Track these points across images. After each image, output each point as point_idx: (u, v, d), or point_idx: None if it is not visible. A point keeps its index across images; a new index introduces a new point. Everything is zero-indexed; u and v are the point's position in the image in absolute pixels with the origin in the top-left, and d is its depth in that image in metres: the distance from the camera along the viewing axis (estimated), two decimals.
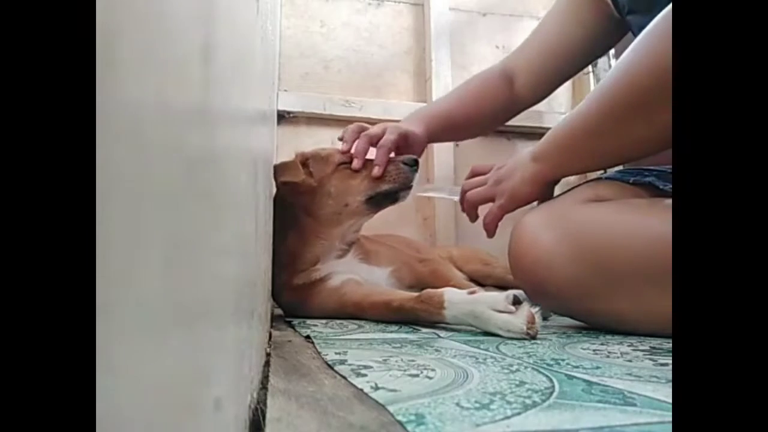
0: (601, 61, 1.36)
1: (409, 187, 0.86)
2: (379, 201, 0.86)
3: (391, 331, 0.64)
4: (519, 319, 0.57)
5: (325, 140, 1.22)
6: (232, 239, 0.23)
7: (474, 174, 0.86)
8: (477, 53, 1.45)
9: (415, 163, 0.86)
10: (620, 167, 0.85)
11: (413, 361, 0.42)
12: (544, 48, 0.98)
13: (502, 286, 0.92)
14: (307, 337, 0.58)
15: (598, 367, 0.40)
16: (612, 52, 1.29)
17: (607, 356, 0.46)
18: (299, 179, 0.82)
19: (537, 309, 0.58)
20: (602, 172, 1.14)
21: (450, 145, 1.36)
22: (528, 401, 0.29)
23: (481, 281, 1.02)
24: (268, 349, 0.49)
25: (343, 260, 0.89)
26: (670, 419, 0.26)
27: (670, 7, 0.59)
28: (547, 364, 0.41)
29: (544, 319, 0.78)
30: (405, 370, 0.38)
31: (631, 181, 0.71)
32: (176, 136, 0.14)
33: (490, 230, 0.81)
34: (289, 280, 0.86)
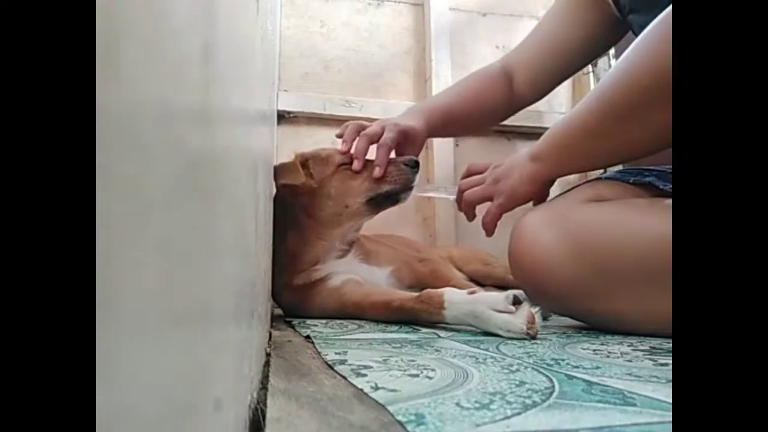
0: (601, 61, 1.36)
1: (410, 188, 0.85)
2: (379, 202, 0.85)
3: (391, 331, 0.64)
4: (519, 319, 0.57)
5: (325, 140, 1.22)
6: (232, 239, 0.23)
7: (470, 173, 0.86)
8: (477, 53, 1.45)
9: (416, 164, 0.86)
10: (620, 167, 0.85)
11: (413, 361, 0.42)
12: (543, 46, 0.98)
13: (502, 286, 0.92)
14: (307, 337, 0.58)
15: (598, 367, 0.40)
16: (612, 51, 1.29)
17: (607, 356, 0.46)
18: (299, 182, 0.82)
19: (537, 309, 0.58)
20: (602, 171, 1.14)
21: (450, 145, 1.36)
22: (528, 401, 0.29)
23: (481, 281, 1.02)
24: (268, 349, 0.49)
25: (343, 260, 0.89)
26: (670, 419, 0.26)
27: (670, 7, 0.59)
28: (547, 364, 0.41)
29: (544, 319, 0.78)
30: (405, 370, 0.38)
31: (631, 181, 0.71)
32: (176, 136, 0.14)
33: (489, 229, 0.81)
34: (289, 281, 0.86)
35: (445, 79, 1.35)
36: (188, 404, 0.15)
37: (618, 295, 0.63)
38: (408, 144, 0.91)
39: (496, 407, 0.28)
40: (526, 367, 0.39)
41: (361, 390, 0.32)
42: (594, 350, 0.49)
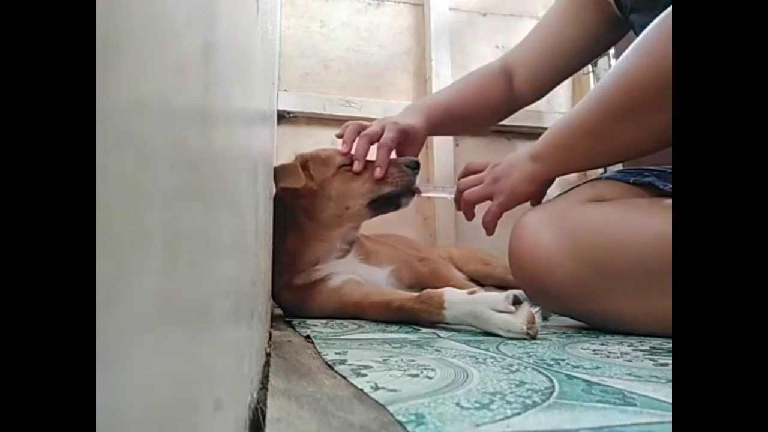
0: (601, 61, 1.36)
1: (412, 192, 0.85)
2: (381, 205, 0.85)
3: (391, 331, 0.64)
4: (519, 319, 0.57)
5: (325, 140, 1.22)
6: (232, 239, 0.23)
7: (468, 172, 0.86)
8: (477, 53, 1.45)
9: (417, 165, 0.85)
10: (620, 167, 0.85)
11: (413, 361, 0.42)
12: (544, 45, 0.98)
13: (502, 286, 0.92)
14: (307, 337, 0.58)
15: (598, 367, 0.40)
16: (612, 51, 1.29)
17: (607, 356, 0.46)
18: (300, 185, 0.81)
19: (537, 309, 0.58)
20: (602, 171, 1.14)
21: (450, 145, 1.36)
22: (528, 401, 0.29)
23: (481, 281, 1.02)
24: (268, 349, 0.49)
25: (343, 260, 0.89)
26: (670, 419, 0.26)
27: (670, 7, 0.59)
28: (547, 364, 0.41)
29: (544, 319, 0.78)
30: (405, 370, 0.38)
31: (631, 181, 0.72)
32: (176, 136, 0.14)
33: (490, 228, 0.81)
34: (289, 281, 0.86)
35: (445, 79, 1.35)
36: (188, 404, 0.15)
37: (618, 295, 0.63)
38: (408, 143, 0.90)
39: (496, 407, 0.28)
40: (526, 367, 0.39)
41: (361, 390, 0.32)
42: (594, 350, 0.49)
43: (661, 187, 0.69)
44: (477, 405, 0.28)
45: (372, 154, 0.85)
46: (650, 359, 0.44)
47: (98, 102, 0.09)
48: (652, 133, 0.63)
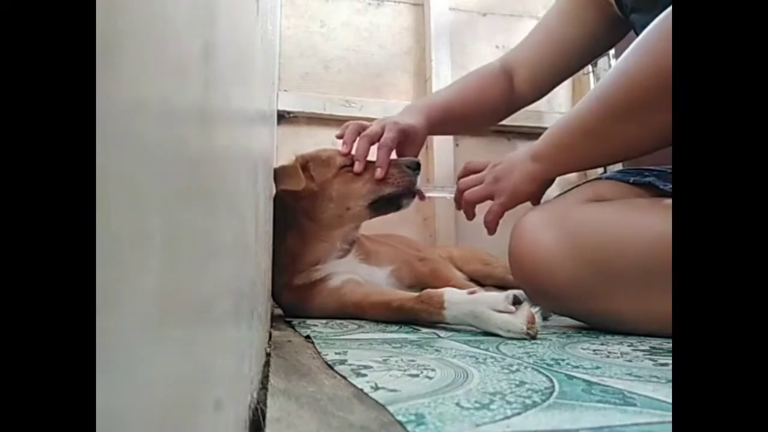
0: (601, 61, 1.36)
1: (413, 193, 0.85)
2: (381, 206, 0.85)
3: (391, 331, 0.64)
4: (519, 319, 0.57)
5: (325, 140, 1.22)
6: (232, 239, 0.23)
7: (468, 171, 0.86)
8: (477, 53, 1.45)
9: (418, 166, 0.85)
10: (620, 167, 0.85)
11: (413, 361, 0.42)
12: (544, 45, 0.98)
13: (502, 286, 0.92)
14: (307, 337, 0.58)
15: (598, 367, 0.40)
16: (612, 52, 1.29)
17: (607, 356, 0.46)
18: (300, 188, 0.81)
19: (537, 309, 0.58)
20: (602, 171, 1.14)
21: (450, 145, 1.36)
22: (528, 401, 0.29)
23: (481, 281, 1.02)
24: (268, 349, 0.49)
25: (343, 260, 0.89)
26: (670, 419, 0.26)
27: (670, 7, 0.59)
28: (547, 364, 0.41)
29: (544, 319, 0.78)
30: (405, 370, 0.38)
31: (631, 181, 0.72)
32: (176, 136, 0.14)
33: (492, 227, 0.81)
34: (289, 281, 0.86)
35: (445, 79, 1.35)
36: (188, 404, 0.15)
37: (618, 294, 0.63)
38: (408, 143, 0.90)
39: (496, 407, 0.28)
40: (526, 367, 0.39)
41: (361, 390, 0.32)
42: (594, 350, 0.49)
43: (661, 187, 0.69)
44: (477, 405, 0.28)
45: (372, 155, 0.85)
46: (650, 359, 0.44)
47: (98, 102, 0.09)
48: (652, 132, 0.63)
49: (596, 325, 0.68)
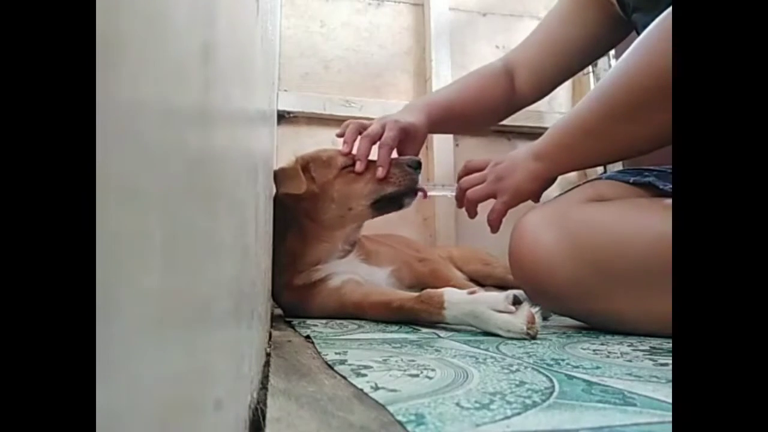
0: (601, 61, 1.37)
1: (414, 192, 0.85)
2: (384, 205, 0.85)
3: (391, 331, 0.64)
4: (519, 319, 0.57)
5: (325, 140, 1.22)
6: (232, 239, 0.23)
7: (468, 170, 0.86)
8: (477, 53, 1.45)
9: (419, 165, 0.85)
10: (620, 167, 0.85)
11: (413, 361, 0.42)
12: (546, 46, 0.98)
13: (502, 286, 0.92)
14: (307, 337, 0.58)
15: (598, 367, 0.40)
16: (612, 52, 1.29)
17: (607, 356, 0.46)
18: (301, 191, 0.81)
19: (537, 309, 0.58)
20: (602, 171, 1.14)
21: (450, 145, 1.36)
22: (528, 401, 0.29)
23: (481, 281, 1.02)
24: (268, 349, 0.49)
25: (343, 260, 0.89)
26: (670, 419, 0.26)
27: (671, 8, 0.59)
28: (547, 364, 0.41)
29: (544, 319, 0.78)
30: (405, 370, 0.38)
31: (631, 181, 0.72)
32: (176, 136, 0.14)
33: (495, 226, 0.81)
34: (289, 281, 0.86)
35: (445, 79, 1.35)
36: (188, 404, 0.15)
37: (618, 294, 0.63)
38: (409, 141, 0.90)
39: (496, 407, 0.28)
40: (526, 367, 0.39)
41: (361, 390, 0.32)
42: (594, 350, 0.49)
43: (661, 187, 0.69)
44: (477, 405, 0.28)
45: (373, 154, 0.85)
46: (650, 359, 0.44)
47: (98, 102, 0.09)
48: (652, 132, 0.63)
49: (596, 325, 0.68)
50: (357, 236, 0.91)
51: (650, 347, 0.51)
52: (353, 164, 0.84)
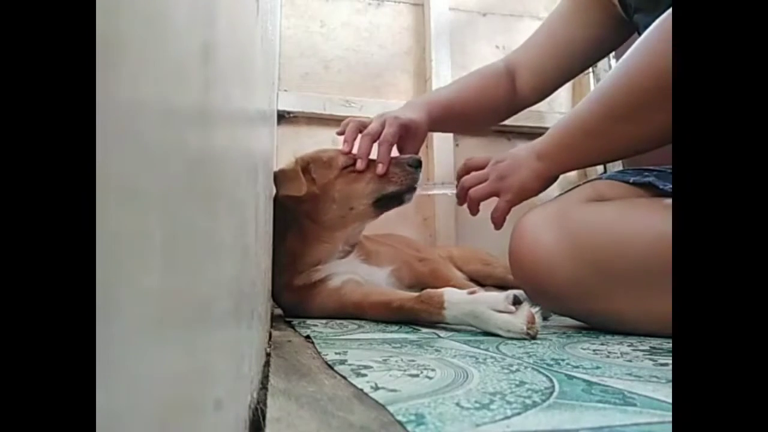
0: (601, 62, 1.36)
1: (414, 189, 0.85)
2: (385, 203, 0.85)
3: (391, 331, 0.64)
4: (519, 319, 0.57)
5: (326, 140, 1.22)
6: (232, 239, 0.23)
7: (468, 168, 0.86)
8: (477, 53, 1.45)
9: (419, 163, 0.85)
10: (620, 167, 0.85)
11: (413, 361, 0.42)
12: (547, 47, 0.98)
13: (502, 286, 0.92)
14: (307, 337, 0.58)
15: (598, 367, 0.40)
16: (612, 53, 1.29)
17: (607, 356, 0.46)
18: (301, 193, 0.80)
19: (537, 309, 0.58)
20: (602, 170, 1.14)
21: (450, 144, 1.36)
22: (528, 401, 0.29)
23: (481, 281, 1.02)
24: (268, 349, 0.49)
25: (344, 260, 0.89)
26: (670, 419, 0.26)
27: (671, 9, 0.59)
28: (547, 364, 0.41)
29: (544, 319, 0.78)
30: (405, 370, 0.38)
31: (631, 181, 0.72)
32: (176, 136, 0.14)
33: (499, 223, 0.82)
34: (289, 281, 0.86)
35: (445, 79, 1.35)
36: (188, 404, 0.15)
37: (618, 294, 0.63)
38: (410, 137, 0.90)
39: (496, 407, 0.28)
40: (526, 367, 0.39)
41: (361, 390, 0.32)
42: (594, 350, 0.49)
43: (661, 187, 0.69)
44: (477, 405, 0.28)
45: (374, 153, 0.85)
46: (650, 359, 0.44)
47: (98, 102, 0.09)
48: (652, 132, 0.63)
49: (596, 325, 0.68)
50: (358, 237, 0.91)
51: (650, 347, 0.51)
52: (354, 164, 0.84)
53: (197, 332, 0.16)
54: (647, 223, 0.62)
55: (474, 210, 0.85)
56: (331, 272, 0.86)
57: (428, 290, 0.68)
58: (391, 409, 0.27)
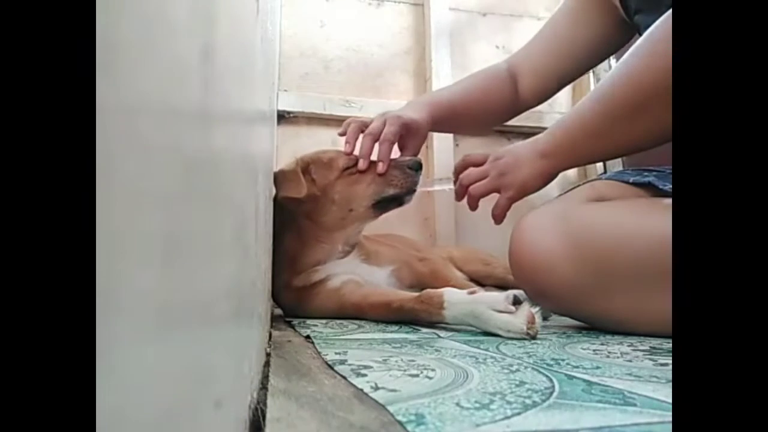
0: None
1: (414, 191, 0.85)
2: (385, 205, 0.85)
3: (391, 331, 0.64)
4: (519, 319, 0.57)
5: (326, 140, 1.23)
6: (232, 239, 0.23)
7: (467, 164, 0.86)
8: (477, 53, 1.45)
9: (420, 166, 0.85)
10: (620, 167, 0.85)
11: (413, 361, 0.42)
12: (549, 50, 0.98)
13: (502, 286, 0.92)
14: (307, 337, 0.58)
15: (598, 367, 0.40)
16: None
17: (607, 356, 0.46)
18: (302, 194, 0.80)
19: (537, 309, 0.58)
20: (602, 170, 1.14)
21: (450, 144, 1.37)
22: (528, 401, 0.29)
23: (481, 281, 1.02)
24: (268, 349, 0.49)
25: (344, 261, 0.89)
26: (670, 419, 0.26)
27: (671, 10, 0.59)
28: (547, 364, 0.41)
29: (544, 319, 0.78)
30: (405, 370, 0.38)
31: (631, 181, 0.72)
32: (176, 137, 0.14)
33: (499, 219, 0.82)
34: (288, 281, 0.86)
35: (445, 79, 1.36)
36: (188, 404, 0.15)
37: (618, 294, 0.63)
38: (411, 136, 0.89)
39: (496, 407, 0.28)
40: (526, 367, 0.39)
41: (361, 390, 0.32)
42: (594, 350, 0.49)
43: (661, 187, 0.69)
44: (477, 405, 0.28)
45: (375, 154, 0.85)
46: (650, 359, 0.44)
47: (98, 102, 0.09)
48: (652, 131, 0.64)
49: (596, 325, 0.68)
50: (358, 237, 0.91)
51: (650, 347, 0.51)
52: (354, 165, 0.84)
53: (197, 332, 0.16)
54: (647, 223, 0.62)
55: (474, 206, 0.85)
56: (331, 272, 0.86)
57: (428, 290, 0.68)
58: (391, 409, 0.27)
